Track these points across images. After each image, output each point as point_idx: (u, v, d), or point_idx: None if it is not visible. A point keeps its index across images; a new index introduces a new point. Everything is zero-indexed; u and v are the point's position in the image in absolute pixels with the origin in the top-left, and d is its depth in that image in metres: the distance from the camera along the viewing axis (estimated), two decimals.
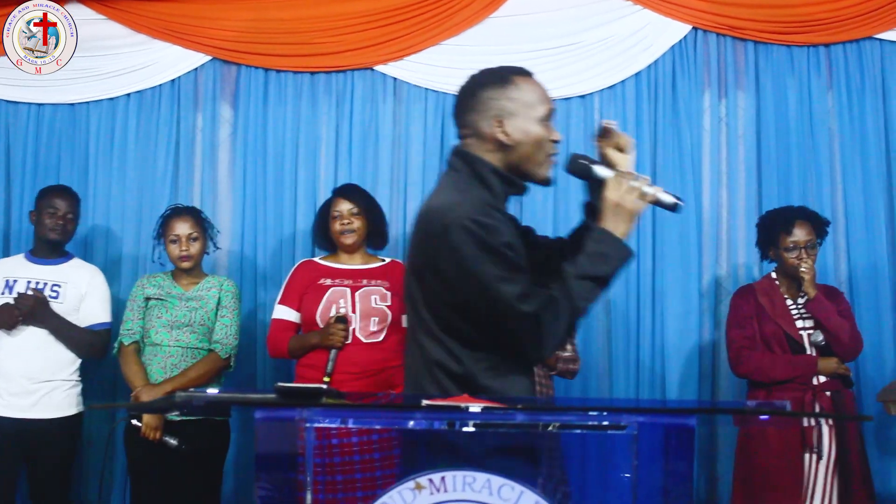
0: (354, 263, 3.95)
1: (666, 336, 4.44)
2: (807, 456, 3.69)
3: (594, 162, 2.31)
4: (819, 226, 3.90)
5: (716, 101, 4.61)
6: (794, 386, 3.72)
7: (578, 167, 2.32)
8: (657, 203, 2.25)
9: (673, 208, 2.27)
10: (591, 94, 4.67)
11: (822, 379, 3.76)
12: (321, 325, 3.77)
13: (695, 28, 4.63)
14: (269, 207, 4.73)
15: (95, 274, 4.19)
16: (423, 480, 1.80)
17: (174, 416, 3.77)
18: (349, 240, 3.91)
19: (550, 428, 1.93)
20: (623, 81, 4.64)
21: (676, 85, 4.59)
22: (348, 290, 3.83)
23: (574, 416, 1.93)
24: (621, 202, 2.20)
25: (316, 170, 4.75)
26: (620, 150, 2.34)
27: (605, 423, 1.87)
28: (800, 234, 3.84)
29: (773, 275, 3.97)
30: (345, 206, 3.93)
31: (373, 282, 3.87)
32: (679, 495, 1.97)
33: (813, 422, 3.67)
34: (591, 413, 1.92)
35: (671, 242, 4.47)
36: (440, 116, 4.71)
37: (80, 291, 4.09)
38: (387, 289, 3.85)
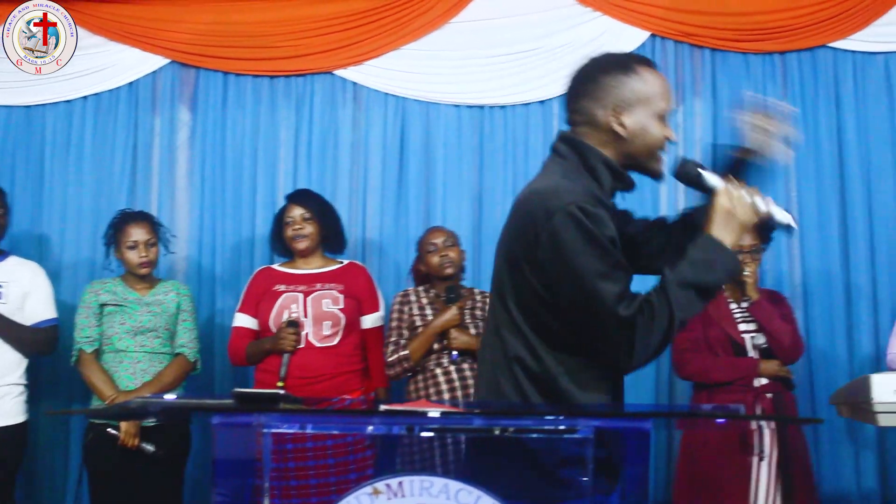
0: (310, 268, 3.96)
1: None
2: (749, 458, 3.72)
3: (705, 169, 2.17)
4: (764, 231, 3.94)
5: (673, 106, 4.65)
6: (735, 388, 3.75)
7: (689, 173, 2.17)
8: (769, 220, 2.12)
9: (786, 228, 2.14)
10: (550, 99, 4.69)
11: (764, 381, 3.80)
12: (275, 331, 3.79)
13: (652, 35, 4.68)
14: (227, 212, 4.71)
15: (37, 271, 4.11)
16: (380, 485, 1.80)
17: (150, 421, 3.74)
18: (301, 245, 3.93)
19: (507, 433, 1.92)
20: None
21: None
22: (301, 295, 3.85)
23: (531, 420, 1.94)
24: (734, 211, 2.05)
25: (275, 174, 4.73)
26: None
27: (562, 427, 1.87)
28: (744, 238, 3.87)
29: None
30: (296, 212, 3.95)
31: (326, 285, 3.88)
32: (635, 498, 1.99)
33: (758, 424, 3.71)
34: (547, 418, 1.93)
35: None
36: (400, 121, 4.72)
37: (23, 289, 4.00)
38: (340, 292, 3.87)
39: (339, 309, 3.83)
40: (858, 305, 4.45)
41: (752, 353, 3.82)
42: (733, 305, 3.91)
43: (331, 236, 4.03)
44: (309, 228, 3.93)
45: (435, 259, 3.89)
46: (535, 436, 1.91)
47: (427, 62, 4.71)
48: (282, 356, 3.71)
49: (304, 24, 4.75)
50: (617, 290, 1.95)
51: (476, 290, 3.99)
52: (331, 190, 4.57)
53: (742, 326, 3.86)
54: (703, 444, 3.77)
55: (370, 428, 2.07)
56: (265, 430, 1.88)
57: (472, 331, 3.78)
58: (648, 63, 2.17)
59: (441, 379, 3.72)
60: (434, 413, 1.90)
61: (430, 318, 3.80)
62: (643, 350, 1.97)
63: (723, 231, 2.05)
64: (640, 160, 2.16)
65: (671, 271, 2.01)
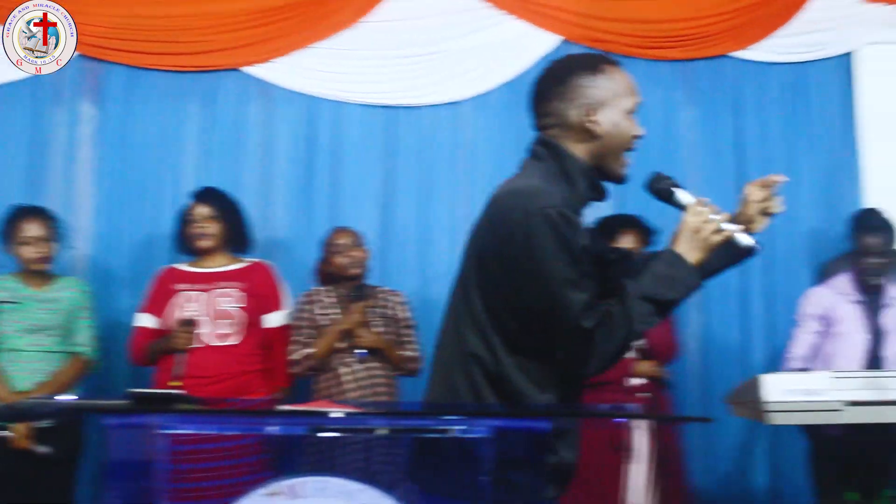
0: (213, 267, 3.92)
1: None
2: (623, 457, 3.76)
3: (677, 185, 2.17)
4: (645, 234, 3.99)
5: None
6: (612, 387, 3.78)
7: (660, 187, 2.17)
8: (732, 242, 2.11)
9: (748, 252, 2.16)
10: (461, 101, 4.72)
11: (639, 381, 3.86)
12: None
13: (564, 40, 4.73)
14: (131, 209, 4.62)
15: None
16: (277, 487, 1.79)
17: (44, 422, 3.65)
18: (203, 243, 3.89)
19: (406, 433, 1.92)
20: (493, 89, 4.71)
21: None
22: (199, 293, 3.82)
23: (431, 420, 1.94)
24: (700, 230, 2.06)
25: (181, 171, 4.65)
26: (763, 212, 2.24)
27: (463, 427, 1.87)
28: (625, 241, 3.91)
29: None
30: (201, 210, 3.91)
31: (227, 284, 3.85)
32: (537, 497, 2.01)
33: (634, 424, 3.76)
34: (446, 418, 1.93)
35: None
36: (308, 119, 4.70)
37: None
38: (242, 290, 3.84)
39: (239, 308, 3.80)
40: (755, 306, 4.60)
41: (630, 353, 3.87)
42: None
43: (236, 235, 3.98)
44: (213, 227, 3.89)
45: (340, 259, 3.89)
46: (435, 436, 1.91)
47: (337, 61, 4.70)
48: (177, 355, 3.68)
49: (212, 19, 4.69)
50: (583, 300, 1.95)
51: (381, 289, 3.99)
52: (237, 188, 4.49)
53: None
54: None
55: (269, 429, 2.04)
56: (161, 431, 1.85)
57: (378, 330, 3.79)
58: (613, 61, 2.20)
59: (347, 378, 3.72)
60: (334, 413, 1.89)
61: (335, 317, 3.80)
62: (598, 360, 1.98)
63: (687, 248, 2.06)
64: (608, 161, 2.17)
65: (632, 283, 2.02)
